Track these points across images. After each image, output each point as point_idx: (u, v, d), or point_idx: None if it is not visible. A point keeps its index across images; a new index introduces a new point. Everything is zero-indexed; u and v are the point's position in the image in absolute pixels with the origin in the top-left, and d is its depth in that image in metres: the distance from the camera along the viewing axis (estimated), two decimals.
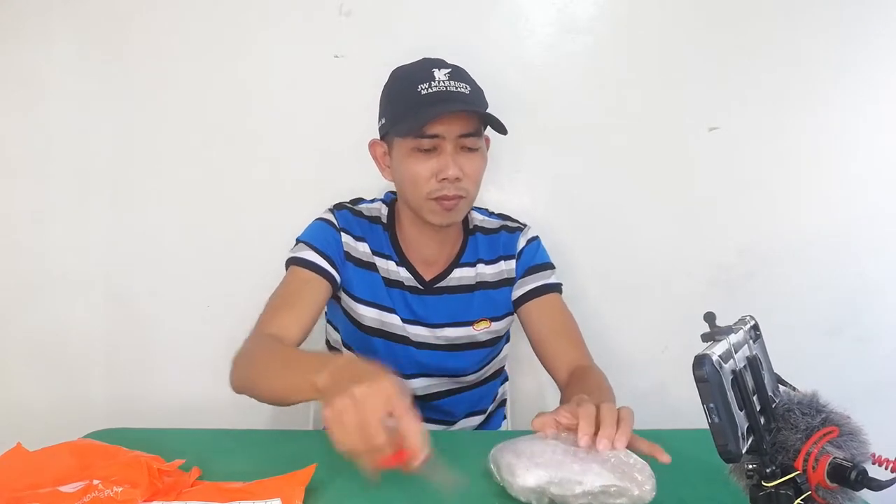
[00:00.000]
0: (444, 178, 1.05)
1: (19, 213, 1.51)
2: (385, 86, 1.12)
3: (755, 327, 0.71)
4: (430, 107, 1.02)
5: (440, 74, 1.06)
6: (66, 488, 0.74)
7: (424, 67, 1.08)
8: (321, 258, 1.13)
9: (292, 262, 1.13)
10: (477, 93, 1.10)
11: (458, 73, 1.09)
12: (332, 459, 0.87)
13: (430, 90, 1.04)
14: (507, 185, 1.48)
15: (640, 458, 0.75)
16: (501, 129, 1.08)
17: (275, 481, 0.79)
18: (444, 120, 1.03)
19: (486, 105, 1.11)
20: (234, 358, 0.99)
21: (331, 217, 1.18)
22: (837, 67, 1.42)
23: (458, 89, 1.05)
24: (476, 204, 1.30)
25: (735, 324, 0.68)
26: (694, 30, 1.43)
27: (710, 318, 0.65)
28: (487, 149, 1.18)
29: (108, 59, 1.46)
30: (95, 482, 0.74)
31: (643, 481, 0.73)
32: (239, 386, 0.97)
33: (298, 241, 1.16)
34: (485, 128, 1.12)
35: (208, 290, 1.51)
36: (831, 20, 1.41)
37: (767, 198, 1.47)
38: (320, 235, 1.16)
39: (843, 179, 1.46)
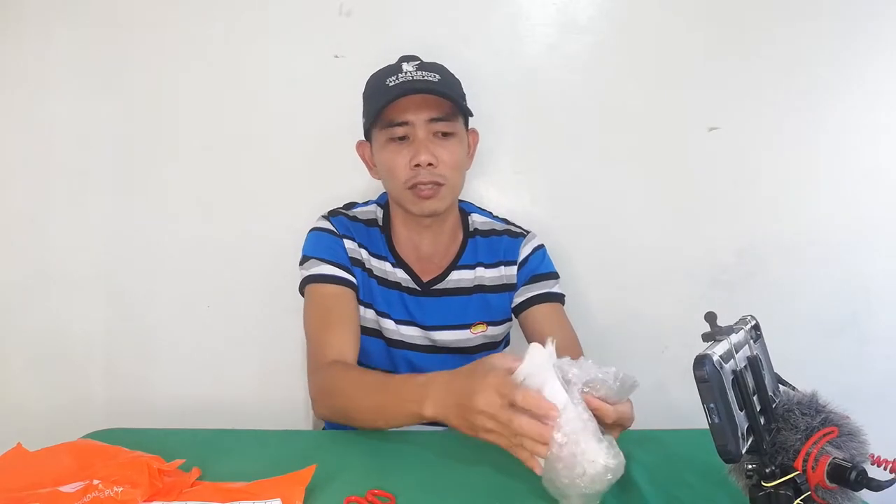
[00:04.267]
0: (417, 165, 1.06)
1: (19, 213, 1.51)
2: (364, 90, 1.15)
3: (756, 327, 0.71)
4: (395, 95, 1.04)
5: (408, 66, 1.09)
6: (67, 488, 0.74)
7: (395, 64, 1.11)
8: (338, 269, 1.13)
9: (312, 280, 1.13)
10: (448, 81, 1.11)
11: (427, 65, 1.11)
12: (332, 460, 0.87)
13: (397, 81, 1.06)
14: (508, 185, 1.48)
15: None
16: (466, 111, 1.11)
17: (275, 481, 0.78)
18: (412, 107, 1.06)
19: (457, 92, 1.12)
20: (315, 393, 1.05)
21: (328, 225, 1.18)
22: (837, 67, 1.42)
23: (426, 77, 1.07)
24: (477, 204, 1.31)
25: (736, 324, 0.69)
26: (694, 30, 1.43)
27: (710, 318, 0.65)
28: (475, 143, 1.19)
29: (108, 59, 1.45)
30: (95, 482, 0.74)
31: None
32: (330, 418, 1.04)
33: (308, 256, 1.15)
34: (464, 117, 1.14)
35: (208, 290, 1.51)
36: (831, 20, 1.40)
37: (767, 198, 1.47)
38: (326, 246, 1.15)
39: (843, 179, 1.46)
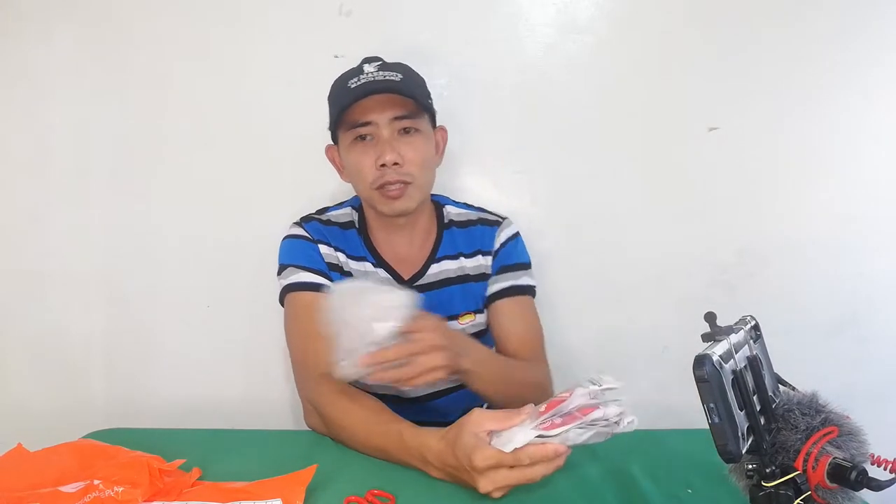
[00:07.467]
0: (382, 165, 1.06)
1: (19, 212, 1.51)
2: (328, 94, 1.15)
3: (756, 327, 0.71)
4: (356, 97, 1.04)
5: (370, 68, 1.09)
6: (67, 488, 0.74)
7: (357, 66, 1.11)
8: (317, 276, 1.13)
9: (291, 289, 1.13)
10: (410, 80, 1.11)
11: (390, 65, 1.11)
12: (332, 460, 0.87)
13: (358, 82, 1.06)
14: (508, 185, 1.48)
15: None
16: (429, 109, 1.11)
17: (275, 481, 0.79)
18: (375, 107, 1.05)
19: (419, 91, 1.12)
20: (306, 405, 1.05)
21: (302, 231, 1.18)
22: (838, 67, 1.42)
23: (387, 77, 1.07)
24: (474, 202, 1.31)
25: (736, 324, 0.69)
26: (694, 29, 1.43)
27: (710, 318, 0.65)
28: (444, 141, 1.19)
29: (108, 58, 1.45)
30: (96, 482, 0.74)
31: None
32: (322, 433, 1.02)
33: (284, 265, 1.15)
34: (431, 115, 1.13)
35: (208, 290, 1.51)
36: (832, 20, 1.40)
37: (767, 198, 1.47)
38: (302, 253, 1.15)
39: (843, 179, 1.46)
